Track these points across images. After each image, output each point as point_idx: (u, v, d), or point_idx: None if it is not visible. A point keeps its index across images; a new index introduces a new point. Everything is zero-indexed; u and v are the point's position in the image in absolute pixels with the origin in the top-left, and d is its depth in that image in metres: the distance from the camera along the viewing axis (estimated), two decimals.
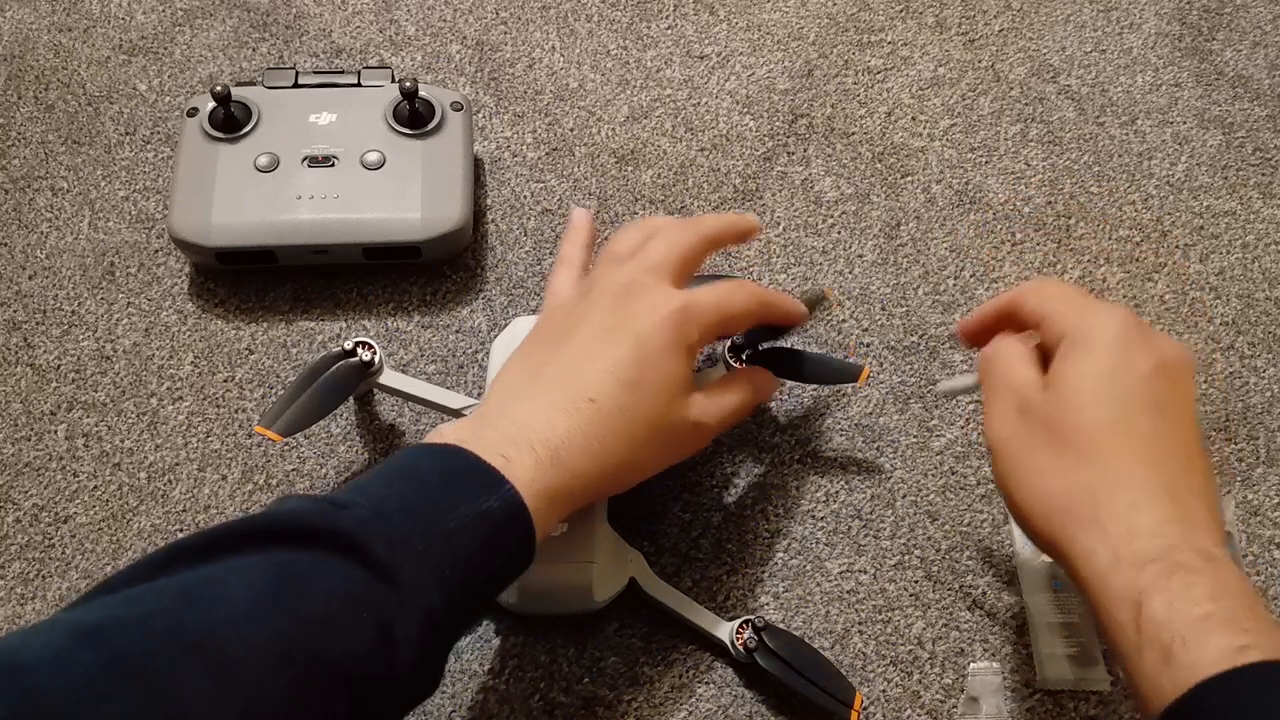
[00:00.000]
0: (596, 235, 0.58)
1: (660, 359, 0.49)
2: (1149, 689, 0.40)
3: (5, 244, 0.69)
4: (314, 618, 0.38)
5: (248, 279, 0.68)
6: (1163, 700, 0.39)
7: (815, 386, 0.65)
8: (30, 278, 0.68)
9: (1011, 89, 0.78)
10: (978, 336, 0.52)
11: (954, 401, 0.65)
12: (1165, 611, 0.40)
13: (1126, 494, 0.43)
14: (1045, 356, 0.48)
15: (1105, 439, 0.44)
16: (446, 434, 0.46)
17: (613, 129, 0.75)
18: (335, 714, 0.38)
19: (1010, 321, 0.50)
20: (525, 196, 0.72)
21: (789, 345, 0.64)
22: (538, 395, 0.48)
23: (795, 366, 0.61)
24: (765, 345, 0.60)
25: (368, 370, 0.59)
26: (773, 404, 0.65)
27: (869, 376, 0.64)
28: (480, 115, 0.75)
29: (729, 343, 0.60)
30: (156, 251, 0.69)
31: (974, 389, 0.52)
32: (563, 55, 0.78)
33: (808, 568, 0.60)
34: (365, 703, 0.38)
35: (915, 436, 0.64)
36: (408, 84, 0.67)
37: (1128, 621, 0.41)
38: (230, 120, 0.67)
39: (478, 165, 0.73)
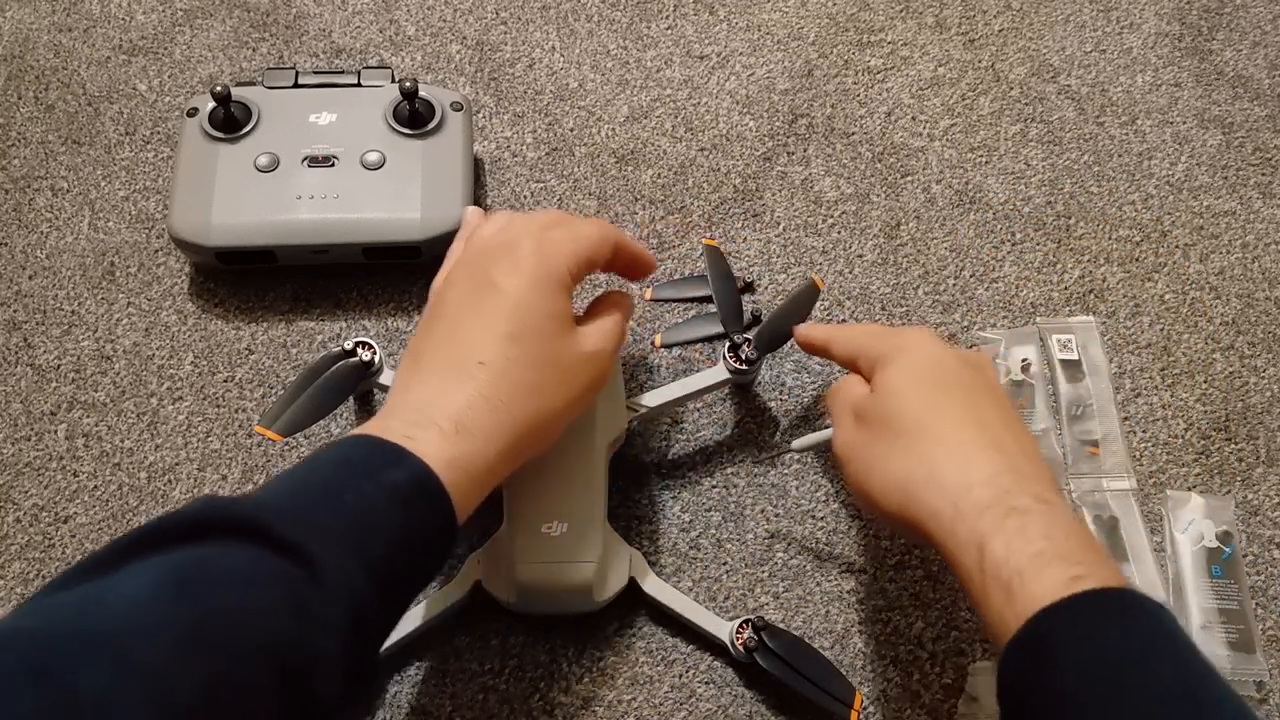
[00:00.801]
0: None
1: (534, 302, 0.49)
2: (998, 627, 0.42)
3: (5, 244, 0.69)
4: (221, 605, 0.37)
5: (248, 279, 0.68)
6: (1009, 635, 0.41)
7: (816, 386, 0.65)
8: (30, 278, 0.68)
9: (1011, 89, 0.78)
10: (810, 349, 0.59)
11: None
12: (1004, 551, 0.42)
13: (958, 455, 0.47)
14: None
15: (930, 415, 0.48)
16: (352, 434, 0.46)
17: (613, 129, 0.75)
18: (263, 698, 0.37)
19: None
20: (525, 196, 0.72)
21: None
22: (428, 377, 0.48)
23: (779, 326, 0.61)
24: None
25: (368, 370, 0.59)
26: (772, 404, 0.65)
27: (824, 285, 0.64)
28: (480, 115, 0.75)
29: (728, 344, 0.61)
30: (156, 251, 0.69)
31: (827, 441, 0.55)
32: (563, 55, 0.78)
33: (808, 568, 0.60)
34: (298, 687, 0.38)
35: None
36: (408, 84, 0.66)
37: (973, 566, 0.43)
38: (230, 120, 0.67)
39: (478, 165, 0.73)
